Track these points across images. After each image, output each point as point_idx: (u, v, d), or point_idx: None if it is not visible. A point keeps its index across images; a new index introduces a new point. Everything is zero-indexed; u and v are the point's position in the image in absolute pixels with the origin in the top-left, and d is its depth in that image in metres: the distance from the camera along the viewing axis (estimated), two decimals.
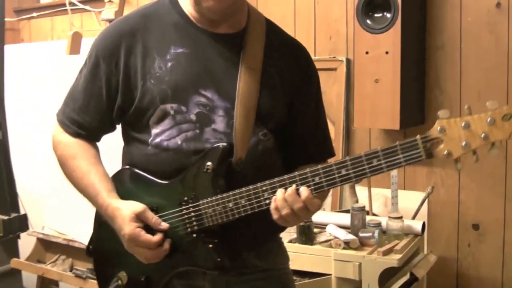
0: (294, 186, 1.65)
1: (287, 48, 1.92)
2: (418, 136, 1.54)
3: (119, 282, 1.84)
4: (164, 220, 1.78)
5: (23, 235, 3.99)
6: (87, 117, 1.86)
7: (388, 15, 3.10)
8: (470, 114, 1.47)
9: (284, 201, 1.65)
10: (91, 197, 1.83)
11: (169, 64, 1.78)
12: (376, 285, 2.83)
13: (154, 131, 1.79)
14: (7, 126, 4.04)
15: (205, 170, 1.75)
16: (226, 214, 1.74)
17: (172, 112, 1.76)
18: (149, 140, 1.80)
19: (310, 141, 1.97)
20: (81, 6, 4.64)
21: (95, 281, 3.16)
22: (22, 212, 3.93)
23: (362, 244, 2.98)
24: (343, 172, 1.62)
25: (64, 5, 4.69)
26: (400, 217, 3.04)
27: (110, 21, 3.54)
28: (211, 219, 1.75)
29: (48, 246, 4.13)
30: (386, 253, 2.89)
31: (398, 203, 3.27)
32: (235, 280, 1.87)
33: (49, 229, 3.71)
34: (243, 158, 1.78)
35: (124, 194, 1.82)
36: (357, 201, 3.38)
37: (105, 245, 1.93)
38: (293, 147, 1.94)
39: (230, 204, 1.73)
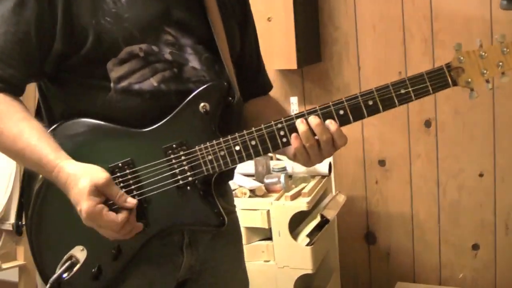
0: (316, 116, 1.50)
1: None
2: (443, 65, 1.53)
3: (73, 260, 1.44)
4: (145, 174, 1.50)
5: None
6: (9, 69, 1.48)
7: None
8: (481, 46, 1.54)
9: (309, 132, 1.49)
10: (32, 163, 1.46)
11: None
12: (287, 231, 2.75)
13: (116, 73, 1.50)
14: None
15: (201, 112, 1.52)
16: (232, 159, 1.52)
17: (142, 54, 1.50)
18: (110, 85, 1.50)
19: (257, 70, 1.83)
20: None
21: None
22: None
23: (268, 190, 2.90)
24: (370, 103, 1.51)
25: None
26: None
27: None
28: (211, 167, 1.52)
29: None
30: (294, 197, 2.81)
31: None
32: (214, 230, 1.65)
33: None
34: (240, 97, 1.61)
35: (81, 152, 1.48)
36: None
37: (50, 219, 1.56)
38: (242, 81, 1.72)
39: (237, 148, 1.52)
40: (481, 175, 3.18)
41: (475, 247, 3.25)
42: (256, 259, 2.81)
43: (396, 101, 1.51)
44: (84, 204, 1.38)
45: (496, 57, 1.53)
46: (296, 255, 2.77)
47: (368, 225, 3.44)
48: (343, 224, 3.37)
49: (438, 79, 1.52)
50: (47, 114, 1.61)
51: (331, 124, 1.49)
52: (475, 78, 1.54)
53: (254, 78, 1.82)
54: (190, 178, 1.52)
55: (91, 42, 1.48)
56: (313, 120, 1.49)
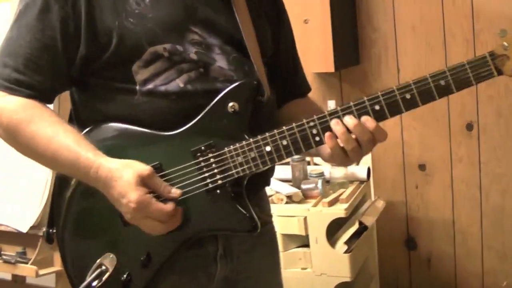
0: (353, 116, 1.43)
1: None
2: (486, 53, 1.42)
3: (103, 268, 1.41)
4: (174, 178, 1.46)
5: None
6: (37, 76, 1.46)
7: None
8: None
9: (348, 133, 1.42)
10: (69, 163, 1.42)
11: None
12: (324, 238, 2.69)
13: (141, 76, 1.47)
14: None
15: (230, 112, 1.47)
16: (263, 161, 1.46)
17: (166, 54, 1.46)
18: (136, 88, 1.47)
19: (294, 71, 1.78)
20: None
21: (26, 266, 2.97)
22: None
23: (305, 196, 2.84)
24: (408, 96, 1.42)
25: None
26: None
27: None
28: (241, 169, 1.46)
29: None
30: (332, 203, 2.74)
31: None
32: (246, 235, 1.60)
33: None
34: (271, 95, 1.56)
35: (110, 156, 1.44)
36: None
37: (81, 225, 1.53)
38: (279, 84, 1.71)
39: (268, 148, 1.45)
40: None
41: None
42: (293, 266, 2.76)
43: (435, 94, 1.42)
44: (132, 194, 1.36)
45: None
46: (334, 262, 2.71)
47: (409, 230, 3.37)
48: (383, 229, 3.30)
49: (481, 69, 1.42)
50: (77, 121, 1.59)
51: (368, 122, 1.42)
52: None
53: (290, 79, 1.78)
54: (219, 182, 1.47)
55: (115, 44, 1.45)
56: (350, 121, 1.42)
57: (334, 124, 1.43)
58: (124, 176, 1.37)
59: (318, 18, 2.95)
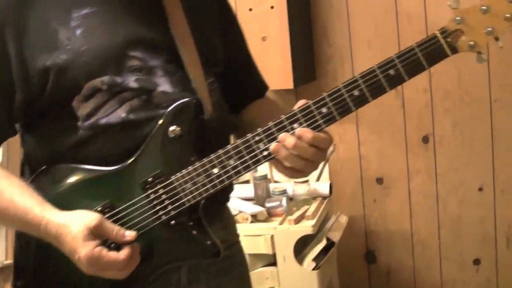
0: (290, 133, 1.34)
1: None
2: (436, 32, 1.33)
3: None
4: (127, 215, 1.39)
5: None
6: None
7: None
8: None
9: (292, 155, 1.34)
10: (18, 221, 1.37)
11: (78, 32, 1.39)
12: (292, 256, 2.67)
13: (83, 111, 1.40)
14: None
15: (171, 136, 1.39)
16: (212, 184, 1.38)
17: (104, 87, 1.39)
18: (78, 124, 1.41)
19: (249, 72, 1.72)
20: None
21: None
22: None
23: (270, 214, 2.80)
24: (356, 93, 1.35)
25: None
26: (306, 181, 2.87)
27: None
28: (192, 196, 1.39)
29: None
30: (298, 220, 2.72)
31: None
32: (210, 262, 1.52)
33: None
34: (213, 113, 1.48)
35: (58, 201, 1.38)
36: (255, 170, 3.19)
37: (45, 274, 1.47)
38: (235, 87, 1.65)
39: (216, 170, 1.38)
40: (480, 189, 3.15)
41: (477, 262, 3.21)
42: (260, 286, 2.71)
43: (386, 86, 1.34)
44: (81, 250, 1.30)
45: (505, 8, 1.30)
46: (302, 280, 2.69)
47: (368, 244, 3.37)
48: (343, 244, 3.25)
49: (432, 50, 1.33)
50: (29, 165, 1.53)
51: (304, 133, 1.34)
52: (480, 39, 1.32)
53: (246, 81, 1.72)
54: (172, 212, 1.40)
55: (51, 84, 1.39)
56: (288, 142, 1.34)
57: (275, 149, 1.36)
58: (72, 231, 1.31)
59: (277, 35, 2.93)
